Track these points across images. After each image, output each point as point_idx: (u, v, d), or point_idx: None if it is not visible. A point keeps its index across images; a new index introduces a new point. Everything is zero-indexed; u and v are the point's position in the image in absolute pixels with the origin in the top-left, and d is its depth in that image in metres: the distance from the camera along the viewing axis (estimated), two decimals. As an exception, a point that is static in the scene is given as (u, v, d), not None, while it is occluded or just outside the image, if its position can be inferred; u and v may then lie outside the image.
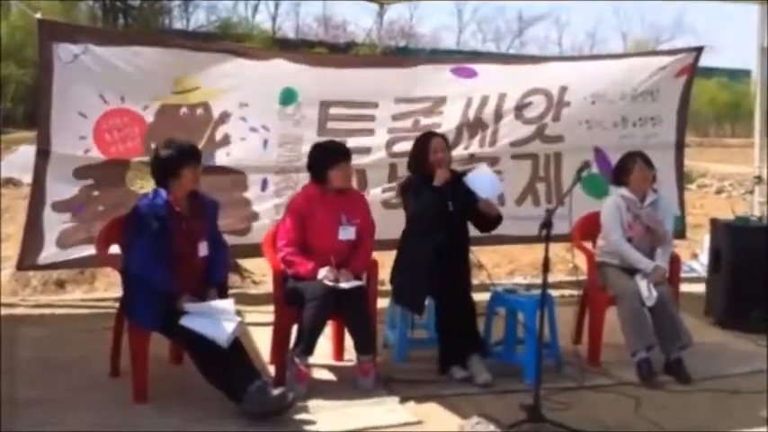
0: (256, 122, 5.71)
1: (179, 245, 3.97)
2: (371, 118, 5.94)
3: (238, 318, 3.92)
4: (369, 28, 31.52)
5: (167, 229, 3.92)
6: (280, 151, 5.67)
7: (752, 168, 6.86)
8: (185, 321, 3.81)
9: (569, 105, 6.30)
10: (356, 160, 5.31)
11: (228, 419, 3.73)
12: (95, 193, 5.29)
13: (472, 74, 6.23)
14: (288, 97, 5.78)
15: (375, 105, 5.97)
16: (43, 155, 5.17)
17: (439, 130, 5.98)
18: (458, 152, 6.18)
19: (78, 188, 5.25)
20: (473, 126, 6.20)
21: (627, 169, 4.86)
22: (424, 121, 6.07)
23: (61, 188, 5.21)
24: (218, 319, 3.84)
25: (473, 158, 6.24)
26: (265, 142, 5.75)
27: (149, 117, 5.36)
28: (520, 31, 44.53)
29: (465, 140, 6.24)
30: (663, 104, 6.51)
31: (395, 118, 5.96)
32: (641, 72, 6.43)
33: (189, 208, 4.05)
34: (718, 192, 14.24)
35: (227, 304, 3.95)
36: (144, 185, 5.17)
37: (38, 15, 5.22)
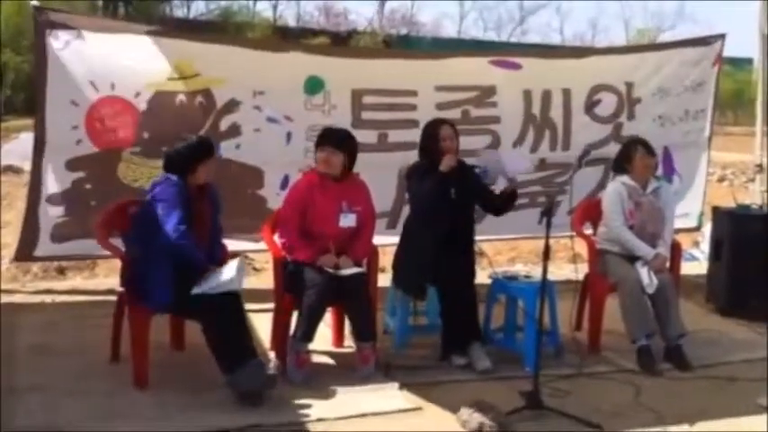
0: (276, 113, 5.42)
1: (197, 225, 3.98)
2: (412, 107, 5.59)
3: (235, 261, 3.94)
4: (370, 17, 31.46)
5: (188, 207, 3.94)
6: (308, 145, 5.11)
7: (753, 157, 6.84)
8: (196, 290, 3.83)
9: (640, 102, 6.16)
10: (400, 158, 5.02)
11: (229, 405, 3.73)
12: (87, 186, 5.17)
13: (516, 66, 5.91)
14: (314, 86, 5.46)
15: (414, 93, 5.65)
16: (39, 145, 5.09)
17: (499, 125, 5.91)
18: (523, 154, 5.90)
19: (71, 181, 5.15)
20: (540, 125, 5.96)
21: (628, 157, 4.85)
22: (477, 113, 5.78)
23: (55, 181, 5.12)
24: (219, 272, 3.89)
25: (544, 164, 6.06)
26: (289, 135, 5.45)
27: (142, 105, 5.17)
28: (521, 20, 44.34)
29: (530, 141, 5.98)
30: (707, 96, 6.44)
31: (440, 107, 5.60)
32: (693, 63, 6.32)
33: (198, 192, 4.06)
34: (720, 180, 14.19)
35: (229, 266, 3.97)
36: (136, 178, 5.12)
37: (34, 2, 5.10)
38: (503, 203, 4.63)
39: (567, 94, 6.05)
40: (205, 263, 3.94)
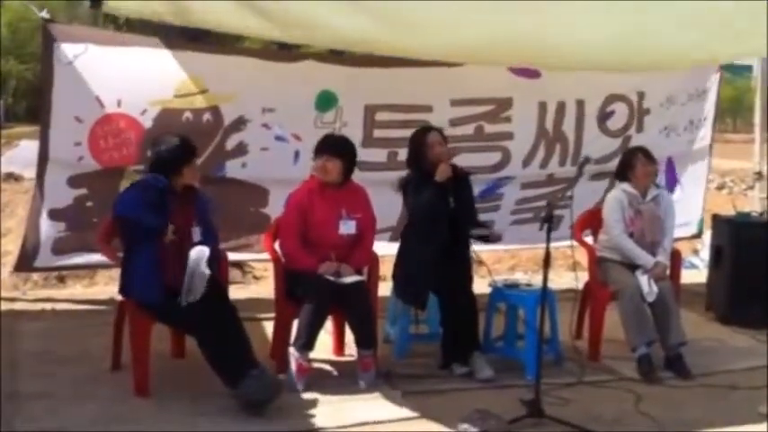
0: (285, 131, 5.34)
1: (175, 221, 3.98)
2: (425, 124, 5.41)
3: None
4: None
5: (165, 203, 3.96)
6: None
7: (752, 164, 6.87)
8: (183, 301, 3.82)
9: (649, 113, 6.11)
10: None
11: (229, 413, 3.73)
12: (89, 203, 5.14)
13: (535, 74, 5.73)
14: (326, 102, 5.37)
15: (429, 109, 5.54)
16: (43, 159, 5.06)
17: (511, 141, 5.80)
18: (532, 171, 5.90)
19: (73, 197, 5.12)
20: (552, 140, 5.86)
21: (629, 164, 4.86)
22: (490, 129, 5.69)
23: (57, 196, 5.10)
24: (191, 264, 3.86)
25: (552, 179, 5.98)
26: (297, 154, 5.35)
27: (147, 123, 5.12)
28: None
29: (541, 157, 5.89)
30: (709, 104, 6.43)
31: (453, 123, 5.49)
32: (697, 71, 6.28)
33: (183, 194, 4.09)
34: (720, 187, 14.20)
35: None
36: None
37: (44, 14, 5.04)
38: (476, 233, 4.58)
39: (580, 105, 5.99)
40: (163, 224, 3.90)
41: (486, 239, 4.56)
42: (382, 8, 3.76)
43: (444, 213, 4.40)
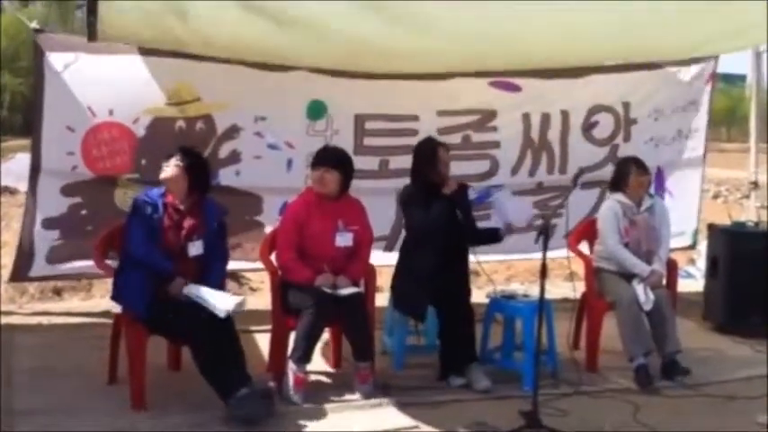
0: (277, 139, 5.39)
1: (167, 237, 3.99)
2: (413, 132, 5.54)
3: (241, 297, 3.99)
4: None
5: (158, 219, 3.97)
6: (309, 172, 4.86)
7: (748, 173, 6.89)
8: (187, 290, 3.85)
9: (636, 123, 6.20)
10: (400, 185, 4.89)
11: (226, 426, 3.72)
12: (83, 211, 5.15)
13: (515, 88, 5.91)
14: (316, 111, 5.45)
15: (415, 118, 5.66)
16: (35, 170, 5.06)
17: (498, 150, 5.95)
18: (521, 179, 6.03)
19: (67, 206, 5.12)
20: (538, 149, 5.99)
21: (623, 175, 4.87)
22: (477, 138, 5.81)
23: (50, 205, 5.10)
24: (217, 296, 3.88)
25: (541, 188, 6.10)
26: (290, 162, 5.43)
27: (140, 131, 5.13)
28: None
29: (528, 165, 6.01)
30: (700, 114, 6.50)
31: (440, 132, 5.57)
32: (688, 83, 6.37)
33: (186, 205, 4.06)
34: (715, 197, 14.25)
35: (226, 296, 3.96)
36: None
37: (33, 24, 5.08)
38: (484, 238, 4.60)
39: (565, 115, 6.09)
40: (171, 271, 3.93)
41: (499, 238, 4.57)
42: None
43: (453, 226, 4.41)
